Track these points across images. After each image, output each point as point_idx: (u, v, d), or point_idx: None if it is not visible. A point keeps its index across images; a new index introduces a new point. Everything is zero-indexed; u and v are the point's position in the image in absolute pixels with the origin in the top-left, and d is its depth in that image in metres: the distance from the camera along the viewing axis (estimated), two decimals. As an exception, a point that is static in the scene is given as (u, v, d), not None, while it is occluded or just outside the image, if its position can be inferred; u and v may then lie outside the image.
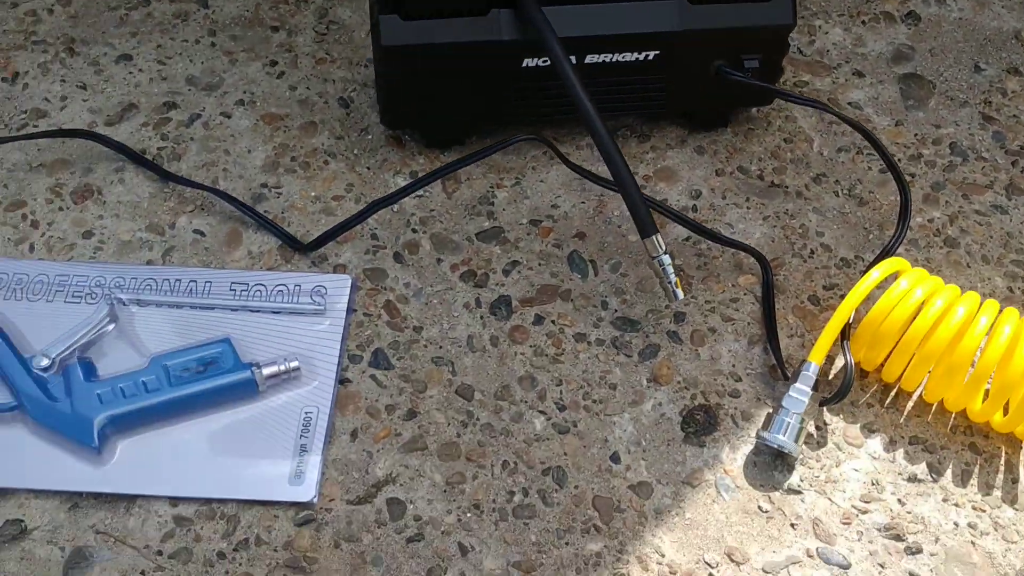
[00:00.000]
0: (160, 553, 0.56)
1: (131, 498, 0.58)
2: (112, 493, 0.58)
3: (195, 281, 0.66)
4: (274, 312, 0.65)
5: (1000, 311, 0.59)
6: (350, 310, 0.66)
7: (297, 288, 0.66)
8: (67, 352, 0.61)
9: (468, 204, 0.72)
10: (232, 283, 0.66)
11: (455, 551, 0.57)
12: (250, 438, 0.60)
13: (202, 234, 0.70)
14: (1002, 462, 0.61)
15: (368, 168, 0.73)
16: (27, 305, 0.65)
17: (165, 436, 0.60)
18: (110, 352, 0.63)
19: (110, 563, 0.56)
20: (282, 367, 0.61)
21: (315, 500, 0.58)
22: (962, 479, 0.60)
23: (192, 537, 0.57)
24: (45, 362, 0.60)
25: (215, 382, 0.60)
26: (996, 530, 0.58)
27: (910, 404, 0.63)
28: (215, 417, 0.61)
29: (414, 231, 0.70)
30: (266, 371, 0.61)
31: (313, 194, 0.72)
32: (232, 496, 0.58)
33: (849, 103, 0.79)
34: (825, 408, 0.62)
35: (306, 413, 0.61)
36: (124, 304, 0.65)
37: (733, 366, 0.64)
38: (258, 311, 0.65)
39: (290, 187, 0.72)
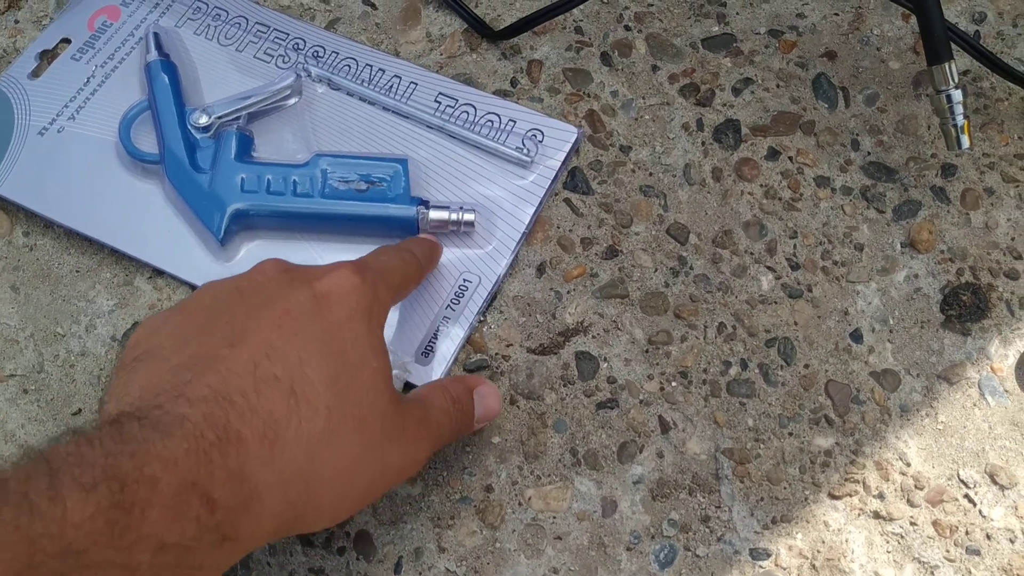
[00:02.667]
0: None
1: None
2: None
3: (399, 77, 0.55)
4: (472, 145, 0.53)
5: None
6: (563, 169, 0.53)
7: (510, 125, 0.53)
8: (232, 116, 0.52)
9: (694, 2, 0.58)
10: (440, 93, 0.54)
11: (654, 426, 0.47)
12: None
13: (373, 6, 0.58)
14: None
15: (576, -56, 0.60)
16: (217, 49, 0.56)
17: (296, 252, 0.50)
18: (279, 132, 0.53)
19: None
20: (454, 215, 0.49)
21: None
22: None
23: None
24: (204, 120, 0.51)
25: (371, 209, 0.49)
26: None
27: None
28: (355, 251, 0.49)
29: (627, 28, 0.57)
30: (433, 214, 0.49)
31: (507, -30, 0.59)
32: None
33: None
34: None
35: (464, 280, 0.50)
36: (312, 80, 0.54)
37: (1012, 239, 0.51)
38: (454, 138, 0.53)
39: (481, -41, 0.59)
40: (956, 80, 0.48)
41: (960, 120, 0.49)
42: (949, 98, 0.49)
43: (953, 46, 0.50)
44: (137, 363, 0.34)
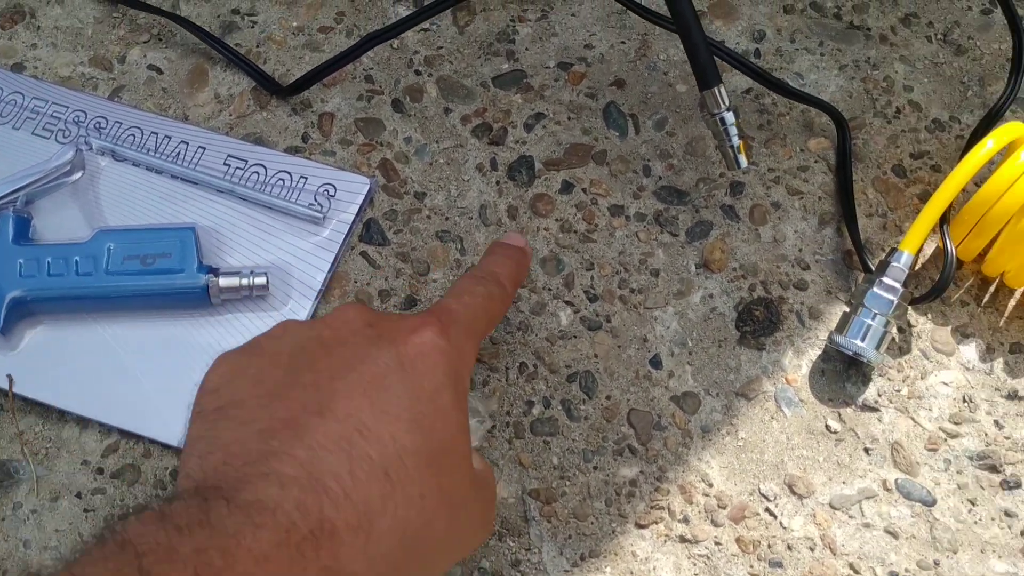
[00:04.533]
0: (101, 471, 0.47)
1: (67, 400, 0.48)
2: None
3: (187, 143, 0.53)
4: (264, 206, 0.52)
5: None
6: (357, 221, 0.53)
7: (301, 182, 0.53)
8: (8, 199, 0.50)
9: (483, 41, 0.59)
10: (229, 156, 0.53)
11: (460, 474, 0.47)
12: (181, 362, 0.48)
13: (159, 71, 0.57)
14: (1125, 380, 0.50)
15: (362, -8, 0.60)
16: None
17: (82, 336, 0.48)
18: (63, 210, 0.52)
19: (43, 480, 0.46)
20: (245, 281, 0.49)
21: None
22: (1075, 399, 0.50)
23: (140, 452, 0.47)
24: None
25: (157, 282, 0.48)
26: (1116, 465, 0.48)
27: (1012, 303, 0.52)
28: (149, 326, 0.49)
29: (417, 73, 0.57)
30: (223, 282, 0.48)
31: (295, 24, 0.59)
32: (139, 431, 0.47)
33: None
34: (910, 307, 0.51)
35: None
36: (95, 153, 0.53)
37: (800, 251, 0.53)
38: (245, 200, 0.52)
39: (267, 15, 0.59)
40: (727, 103, 0.50)
41: (735, 141, 0.50)
42: (723, 120, 0.50)
43: (729, 67, 0.52)
44: (219, 416, 0.33)
